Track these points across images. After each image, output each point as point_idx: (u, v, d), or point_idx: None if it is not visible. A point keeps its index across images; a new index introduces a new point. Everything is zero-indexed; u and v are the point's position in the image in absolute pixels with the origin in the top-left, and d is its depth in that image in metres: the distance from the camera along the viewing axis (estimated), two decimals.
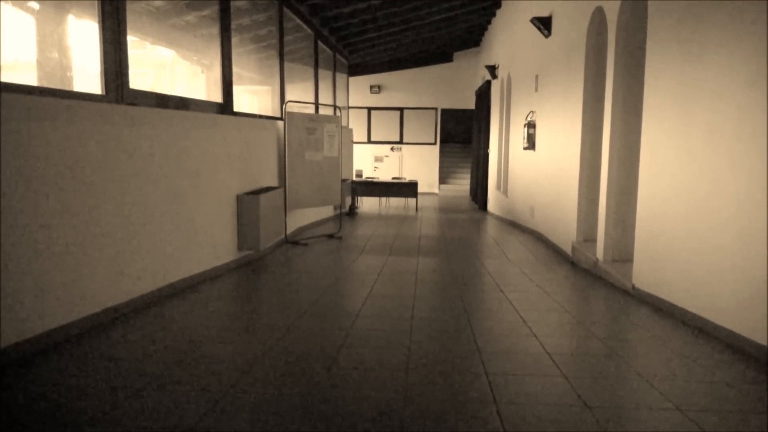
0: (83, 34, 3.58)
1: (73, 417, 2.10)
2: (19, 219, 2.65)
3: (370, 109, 15.04)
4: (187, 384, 2.40)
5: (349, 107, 11.81)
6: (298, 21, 7.61)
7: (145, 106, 3.68)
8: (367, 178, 11.94)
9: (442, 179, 16.14)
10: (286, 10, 6.84)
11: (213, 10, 5.27)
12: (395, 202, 11.95)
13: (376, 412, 2.18)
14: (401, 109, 15.11)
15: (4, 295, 2.57)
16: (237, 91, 5.34)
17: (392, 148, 15.15)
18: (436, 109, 15.23)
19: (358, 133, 13.98)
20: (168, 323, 3.28)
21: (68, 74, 3.66)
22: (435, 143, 15.34)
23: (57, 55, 3.65)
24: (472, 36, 13.37)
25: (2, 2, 2.96)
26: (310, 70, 8.46)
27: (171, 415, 2.11)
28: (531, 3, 7.74)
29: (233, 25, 5.19)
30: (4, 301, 2.57)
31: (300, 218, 7.11)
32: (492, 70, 10.99)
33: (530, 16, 6.99)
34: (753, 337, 2.89)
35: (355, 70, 12.93)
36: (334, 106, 7.85)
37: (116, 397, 2.25)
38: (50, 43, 3.61)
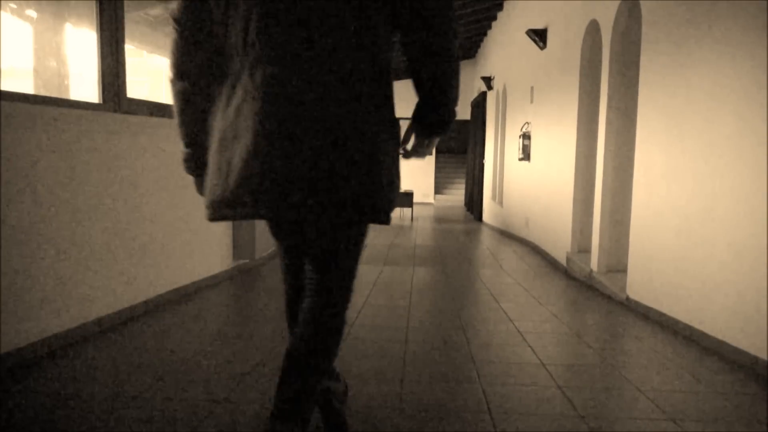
0: (81, 43, 3.59)
1: (64, 426, 2.09)
2: (14, 226, 2.64)
3: None
4: (181, 393, 2.39)
5: None
6: None
7: (142, 115, 3.69)
8: None
9: (438, 189, 16.17)
10: None
11: None
12: None
13: (370, 422, 2.18)
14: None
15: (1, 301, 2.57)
16: None
17: None
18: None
19: None
20: (162, 332, 3.27)
21: (65, 82, 3.67)
22: (431, 153, 15.39)
23: (54, 63, 3.66)
24: (468, 47, 13.46)
25: (1, 10, 2.98)
26: None
27: (165, 425, 2.10)
28: (526, 15, 7.81)
29: None
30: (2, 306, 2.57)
31: None
32: (488, 81, 11.06)
33: (526, 28, 7.06)
34: (746, 348, 2.91)
35: None
36: None
37: (109, 406, 2.24)
38: (48, 51, 3.62)
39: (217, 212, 1.52)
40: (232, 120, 1.48)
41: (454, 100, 1.57)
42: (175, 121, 1.68)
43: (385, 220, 1.54)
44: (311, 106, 1.41)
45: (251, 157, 1.42)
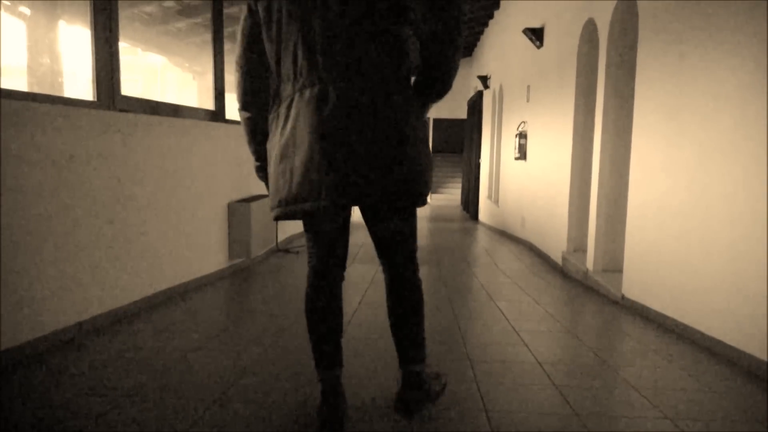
0: (75, 40, 3.57)
1: (59, 423, 2.07)
2: (7, 224, 2.62)
3: None
4: (177, 392, 2.38)
5: None
6: None
7: (137, 113, 3.67)
8: None
9: (434, 188, 16.16)
10: None
11: (205, 17, 5.28)
12: None
13: (366, 421, 2.17)
14: None
15: None
16: (229, 98, 5.34)
17: None
18: (428, 118, 15.27)
19: None
20: (157, 331, 3.26)
21: (59, 80, 3.65)
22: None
23: (48, 60, 3.64)
24: (465, 46, 13.45)
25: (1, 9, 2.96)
26: None
27: (160, 423, 2.09)
28: (523, 14, 7.81)
29: (226, 32, 5.20)
30: None
31: (291, 226, 7.09)
32: (484, 80, 11.06)
33: (522, 27, 7.05)
34: (742, 347, 2.91)
35: None
36: None
37: (102, 405, 2.23)
38: (41, 48, 3.60)
39: (284, 209, 1.90)
40: (290, 134, 1.85)
41: (450, 79, 1.94)
42: (245, 140, 2.12)
43: (423, 202, 1.94)
44: (349, 115, 1.79)
45: (309, 161, 1.80)
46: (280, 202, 1.90)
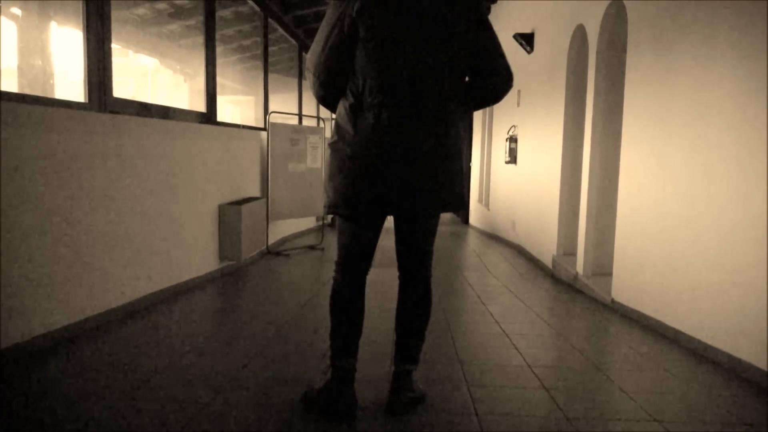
0: (66, 42, 3.56)
1: (52, 425, 2.06)
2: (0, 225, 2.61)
3: None
4: (169, 393, 2.37)
5: (333, 118, 11.82)
6: (283, 32, 7.64)
7: (128, 115, 3.66)
8: None
9: None
10: (270, 21, 6.86)
11: (197, 19, 5.27)
12: None
13: (358, 423, 2.18)
14: None
15: None
16: (220, 101, 5.33)
17: None
18: None
19: None
20: (149, 333, 3.25)
21: (50, 82, 3.63)
22: None
23: (39, 62, 3.62)
24: None
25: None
26: (295, 81, 8.48)
27: (153, 425, 2.08)
28: (514, 19, 7.85)
29: (217, 35, 5.20)
30: None
31: (282, 229, 7.09)
32: None
33: (513, 32, 7.09)
34: (730, 350, 2.94)
35: None
36: (318, 117, 7.87)
37: (98, 406, 2.22)
38: (32, 50, 3.58)
39: (362, 208, 2.17)
40: (380, 144, 2.02)
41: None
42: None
43: (464, 207, 2.25)
44: (419, 137, 2.03)
45: (397, 172, 2.03)
46: (356, 200, 2.10)
